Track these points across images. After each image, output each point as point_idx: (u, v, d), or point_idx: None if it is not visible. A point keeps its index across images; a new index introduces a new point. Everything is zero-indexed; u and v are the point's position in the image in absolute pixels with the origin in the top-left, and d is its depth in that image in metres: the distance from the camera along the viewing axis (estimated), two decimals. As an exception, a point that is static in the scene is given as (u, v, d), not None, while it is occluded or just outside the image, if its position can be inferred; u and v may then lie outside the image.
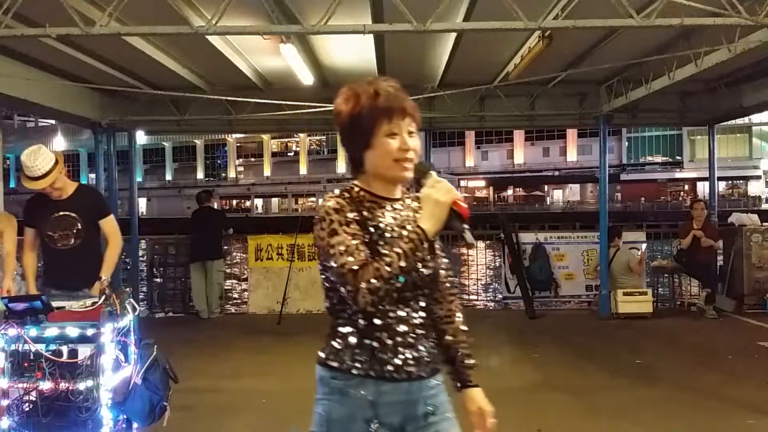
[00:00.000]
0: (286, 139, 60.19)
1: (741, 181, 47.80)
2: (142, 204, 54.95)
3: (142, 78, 8.89)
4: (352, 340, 1.82)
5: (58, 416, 3.30)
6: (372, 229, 1.81)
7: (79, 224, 4.25)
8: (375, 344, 1.80)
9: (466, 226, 1.79)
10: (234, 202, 60.76)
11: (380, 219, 1.84)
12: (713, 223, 9.80)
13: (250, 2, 5.72)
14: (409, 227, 1.75)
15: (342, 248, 1.72)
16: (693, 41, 6.97)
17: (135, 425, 3.60)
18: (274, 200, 60.92)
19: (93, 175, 25.44)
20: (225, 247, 10.52)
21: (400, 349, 1.81)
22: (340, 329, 1.84)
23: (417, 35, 6.02)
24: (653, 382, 5.83)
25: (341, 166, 58.33)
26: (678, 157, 49.29)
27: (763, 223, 10.40)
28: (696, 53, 6.94)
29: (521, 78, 7.97)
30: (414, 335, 1.84)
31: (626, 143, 50.50)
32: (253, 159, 62.05)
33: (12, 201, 12.12)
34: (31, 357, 3.29)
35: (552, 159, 53.32)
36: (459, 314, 2.06)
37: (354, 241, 1.74)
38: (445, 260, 2.02)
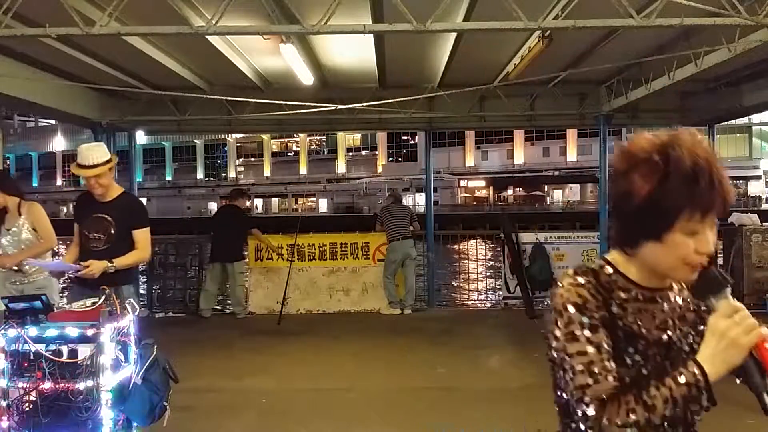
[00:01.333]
0: (286, 139, 60.22)
1: (741, 181, 47.73)
2: (142, 204, 54.84)
3: (142, 78, 8.90)
4: None
5: (58, 416, 3.30)
6: (621, 334, 1.38)
7: (112, 229, 4.21)
8: None
9: None
10: (234, 202, 60.76)
11: (635, 318, 1.40)
12: (713, 223, 9.79)
13: (250, 2, 5.72)
14: (686, 367, 1.30)
15: (582, 364, 1.31)
16: (693, 41, 6.97)
17: (135, 425, 3.60)
18: (274, 200, 60.94)
19: (93, 175, 25.29)
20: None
21: None
22: None
23: (417, 35, 6.02)
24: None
25: (341, 166, 58.40)
26: (678, 157, 49.26)
27: (763, 223, 10.39)
28: (696, 53, 6.94)
29: (521, 78, 7.97)
30: None
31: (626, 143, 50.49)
32: (253, 159, 62.08)
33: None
34: (31, 357, 3.29)
35: (552, 159, 53.30)
36: None
37: (600, 356, 1.32)
38: None
